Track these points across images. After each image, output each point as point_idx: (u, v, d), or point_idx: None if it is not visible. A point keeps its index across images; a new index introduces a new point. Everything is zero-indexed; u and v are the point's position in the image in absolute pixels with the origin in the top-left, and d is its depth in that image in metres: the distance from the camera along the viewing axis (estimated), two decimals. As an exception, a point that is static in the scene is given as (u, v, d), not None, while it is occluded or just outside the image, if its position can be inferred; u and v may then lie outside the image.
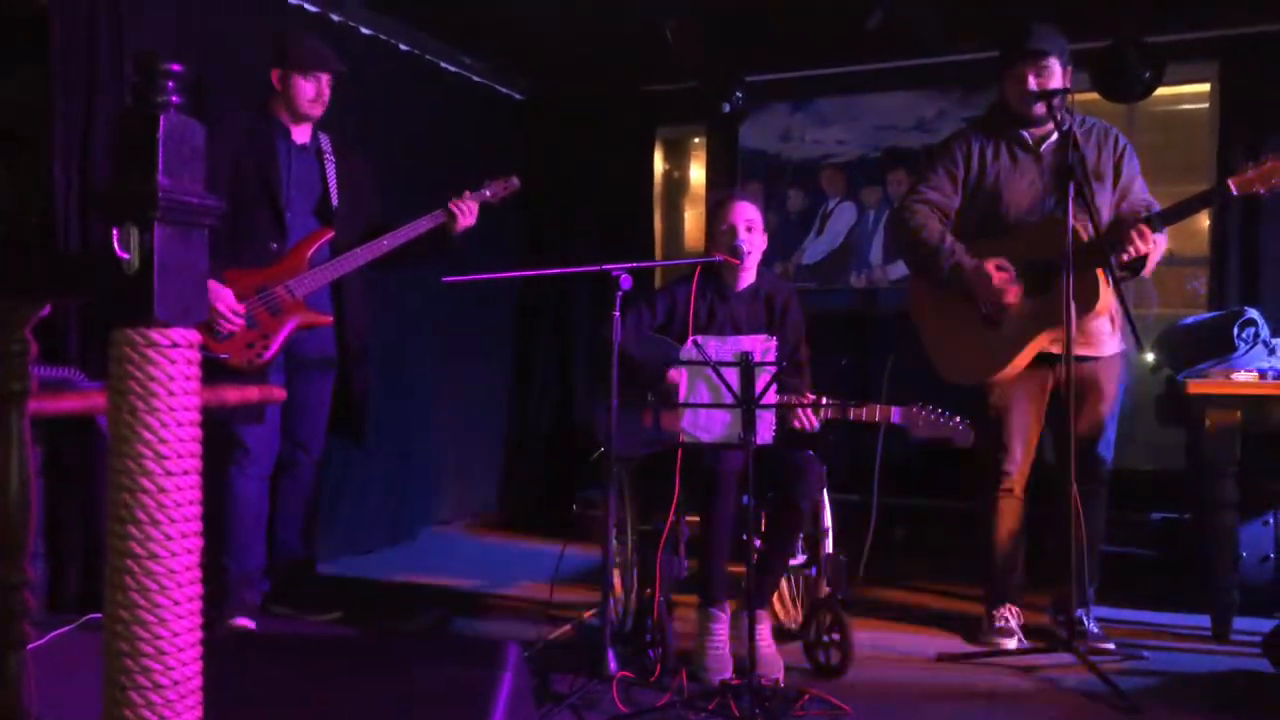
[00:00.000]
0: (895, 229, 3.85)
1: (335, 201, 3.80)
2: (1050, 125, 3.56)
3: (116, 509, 1.30)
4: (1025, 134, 3.63)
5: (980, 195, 3.65)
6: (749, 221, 3.56)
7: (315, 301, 3.68)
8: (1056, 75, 3.52)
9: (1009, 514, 3.71)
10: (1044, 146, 3.61)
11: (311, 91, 3.73)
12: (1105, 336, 3.62)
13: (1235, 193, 3.34)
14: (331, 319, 3.76)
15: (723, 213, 3.59)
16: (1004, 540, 3.71)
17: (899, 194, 5.58)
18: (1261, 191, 3.34)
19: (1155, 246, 3.41)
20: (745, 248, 3.52)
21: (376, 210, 3.96)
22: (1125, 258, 3.40)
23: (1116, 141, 3.63)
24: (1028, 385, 3.63)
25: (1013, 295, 3.50)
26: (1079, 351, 3.42)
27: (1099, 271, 3.39)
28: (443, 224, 3.78)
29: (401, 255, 3.77)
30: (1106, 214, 3.56)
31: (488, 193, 3.90)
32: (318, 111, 3.77)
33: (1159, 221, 3.39)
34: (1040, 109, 3.52)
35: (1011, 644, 3.59)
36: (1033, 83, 3.51)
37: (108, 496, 1.31)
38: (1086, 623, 3.51)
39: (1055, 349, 3.47)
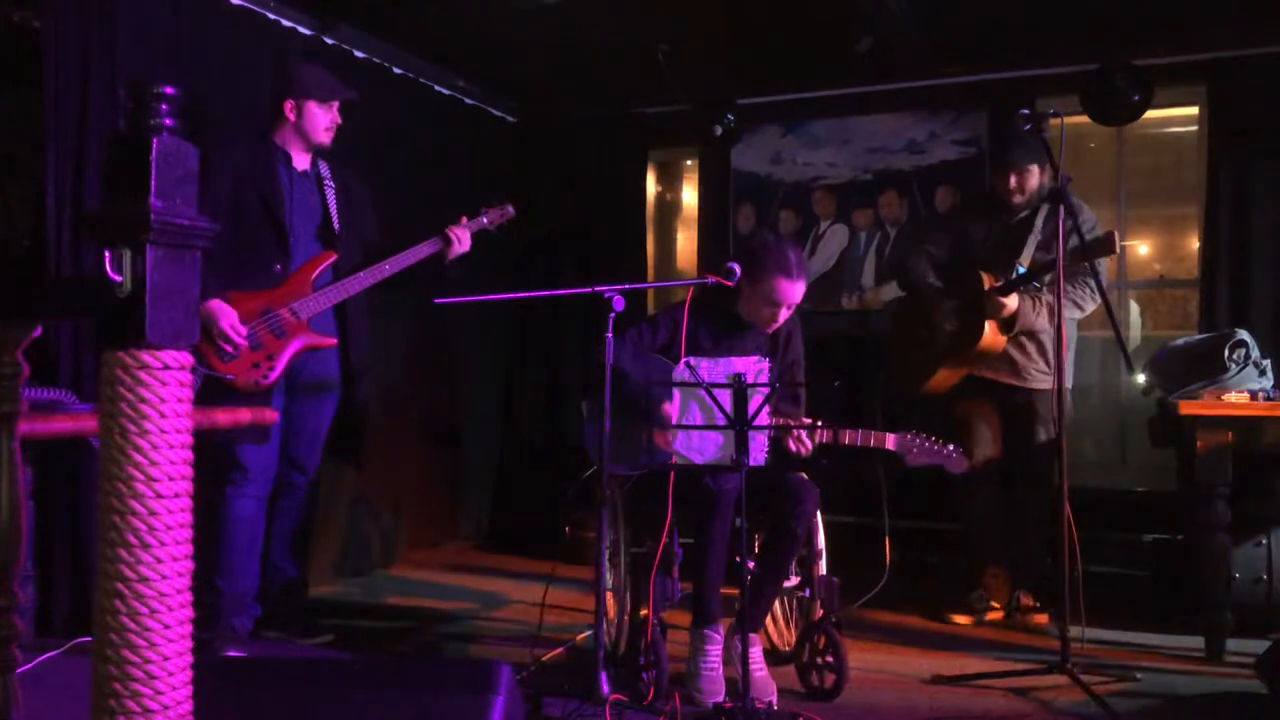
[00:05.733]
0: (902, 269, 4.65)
1: (337, 226, 3.84)
2: (1026, 209, 4.17)
3: (106, 531, 1.29)
4: (1005, 210, 4.23)
5: (958, 246, 4.31)
6: (793, 306, 3.49)
7: (318, 324, 3.71)
8: (1034, 175, 4.14)
9: (982, 508, 4.29)
10: (1017, 218, 4.20)
11: (327, 120, 3.80)
12: (1035, 371, 4.19)
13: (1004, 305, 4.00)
14: (335, 341, 3.80)
15: (776, 286, 3.40)
16: (975, 529, 4.34)
17: (894, 219, 5.66)
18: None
19: (1007, 307, 4.02)
20: (773, 327, 3.52)
21: (375, 235, 4.00)
22: (1004, 315, 4.03)
23: (1080, 215, 4.00)
24: (981, 406, 4.25)
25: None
26: (1009, 381, 4.19)
27: (990, 322, 4.04)
28: (440, 250, 3.83)
29: (400, 279, 3.82)
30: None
31: (485, 220, 3.97)
32: (330, 139, 3.83)
33: (1006, 289, 4.01)
34: (1019, 200, 4.16)
35: (962, 620, 4.22)
36: (1014, 182, 4.15)
37: (98, 519, 1.30)
38: (1024, 597, 4.20)
39: (989, 375, 4.19)
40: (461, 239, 3.86)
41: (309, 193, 3.84)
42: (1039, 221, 4.11)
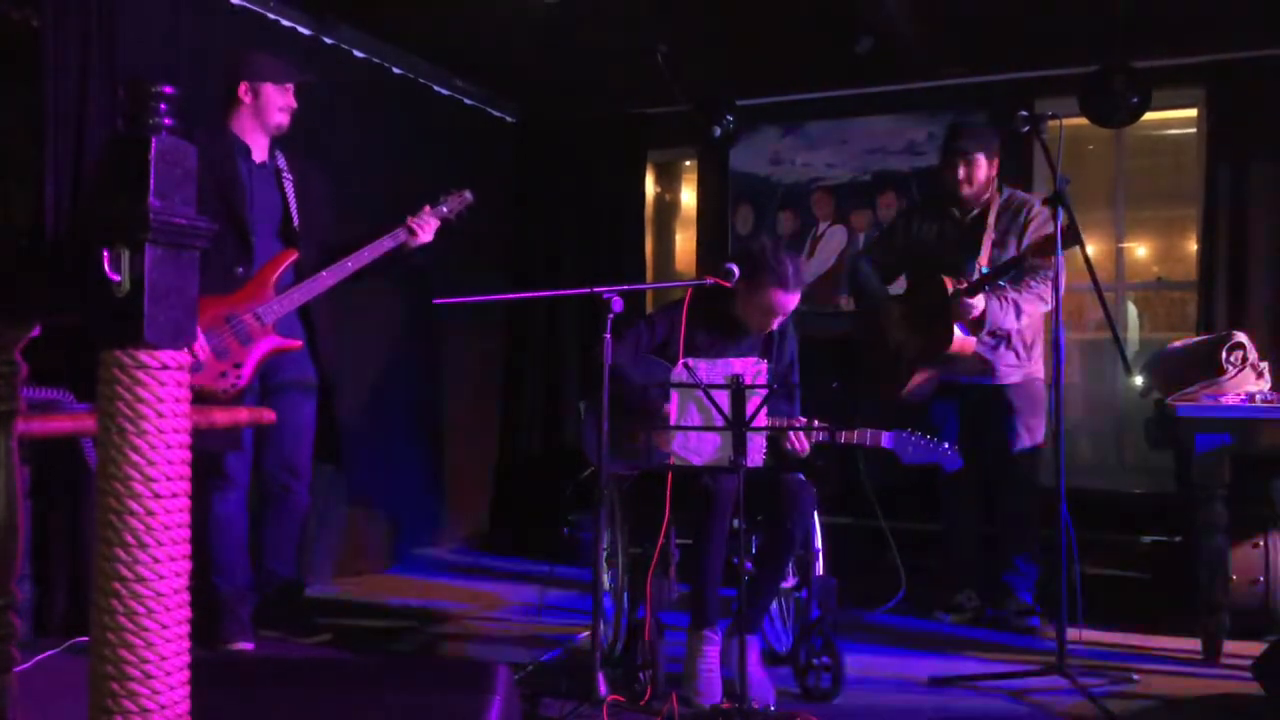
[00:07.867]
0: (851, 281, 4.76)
1: (297, 221, 3.76)
2: (976, 207, 4.23)
3: (104, 531, 1.29)
4: (955, 211, 4.27)
5: (908, 251, 4.37)
6: (788, 313, 3.53)
7: (283, 326, 3.63)
8: (982, 166, 4.17)
9: (961, 504, 4.38)
10: (969, 217, 4.25)
11: (282, 100, 3.73)
12: (1003, 365, 4.21)
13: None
14: (301, 343, 3.72)
15: (772, 297, 3.44)
16: (954, 531, 4.42)
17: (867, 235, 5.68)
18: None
19: (975, 308, 3.99)
20: (765, 331, 3.55)
21: (331, 224, 3.92)
22: (973, 316, 4.02)
23: (1030, 209, 4.18)
24: (954, 406, 4.30)
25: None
26: (980, 379, 4.21)
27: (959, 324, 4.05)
28: (401, 242, 3.76)
29: (363, 272, 3.74)
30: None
31: (445, 209, 3.86)
32: (287, 120, 3.76)
33: (972, 290, 3.99)
34: (967, 192, 4.19)
35: (946, 618, 4.30)
36: (961, 172, 4.18)
37: (95, 518, 1.30)
38: (1021, 595, 4.19)
39: (960, 376, 4.21)
40: (423, 229, 3.78)
41: (269, 187, 3.75)
42: (991, 218, 4.18)
